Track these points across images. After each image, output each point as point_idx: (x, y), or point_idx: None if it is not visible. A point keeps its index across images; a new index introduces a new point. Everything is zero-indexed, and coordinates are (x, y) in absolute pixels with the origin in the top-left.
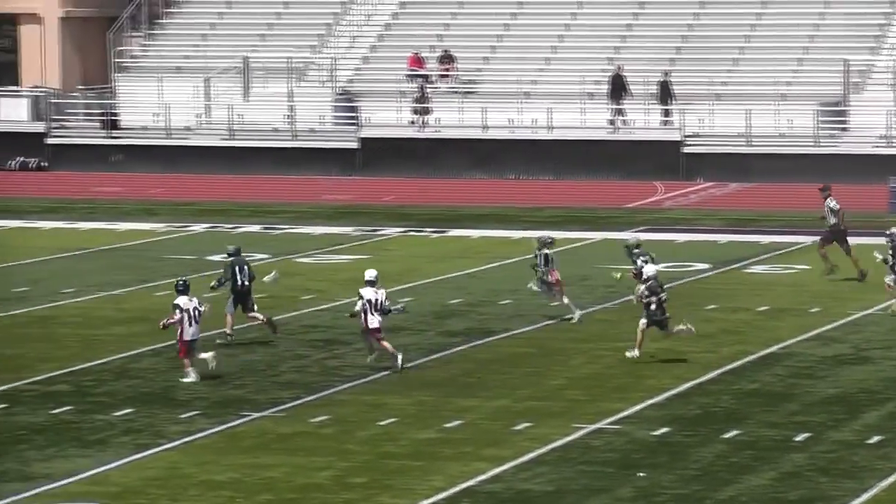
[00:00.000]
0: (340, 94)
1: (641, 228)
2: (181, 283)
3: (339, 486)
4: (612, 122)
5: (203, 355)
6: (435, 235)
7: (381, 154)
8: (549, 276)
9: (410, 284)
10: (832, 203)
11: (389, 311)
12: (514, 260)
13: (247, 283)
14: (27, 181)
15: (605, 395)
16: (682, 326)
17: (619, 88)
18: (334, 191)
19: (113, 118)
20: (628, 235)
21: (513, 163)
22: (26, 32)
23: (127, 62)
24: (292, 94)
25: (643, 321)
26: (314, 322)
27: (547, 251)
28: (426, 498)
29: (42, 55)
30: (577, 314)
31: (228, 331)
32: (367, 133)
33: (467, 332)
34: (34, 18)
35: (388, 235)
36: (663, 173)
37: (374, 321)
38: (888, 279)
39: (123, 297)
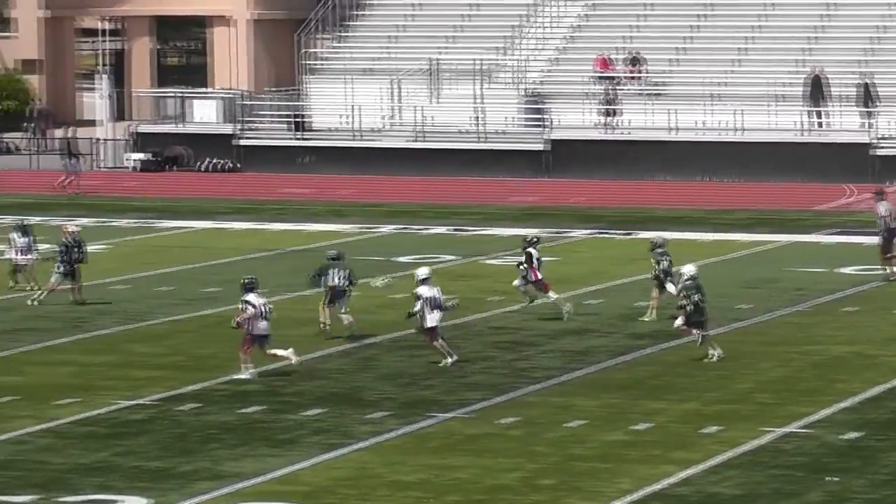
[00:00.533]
0: (528, 96)
1: (830, 231)
2: (249, 280)
3: (527, 487)
4: (808, 124)
5: (282, 352)
6: (623, 237)
7: (569, 156)
8: (531, 275)
9: (598, 287)
10: (881, 208)
11: (445, 307)
12: (703, 262)
13: (339, 282)
14: (217, 182)
15: (794, 398)
16: (714, 352)
17: (817, 90)
18: (522, 192)
19: (302, 120)
20: (653, 235)
21: (701, 165)
22: (217, 35)
23: (316, 64)
24: (480, 95)
25: (679, 320)
26: (502, 323)
27: (531, 250)
28: (614, 500)
29: (232, 57)
30: (566, 308)
31: (322, 319)
32: (555, 135)
33: (655, 334)
34: (225, 21)
35: (576, 237)
36: (853, 175)
37: (432, 319)
38: None
39: (312, 298)
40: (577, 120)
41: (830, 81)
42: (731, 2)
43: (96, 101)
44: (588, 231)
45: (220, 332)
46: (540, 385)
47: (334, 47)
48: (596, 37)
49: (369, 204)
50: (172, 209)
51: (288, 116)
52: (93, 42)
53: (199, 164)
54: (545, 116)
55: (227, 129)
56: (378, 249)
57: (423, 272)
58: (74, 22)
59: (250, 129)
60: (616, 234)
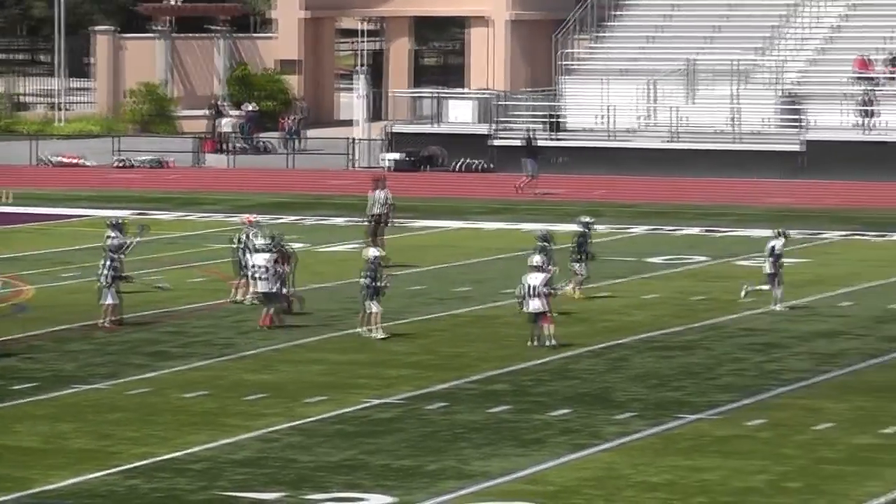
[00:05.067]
0: (785, 97)
1: None
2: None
3: (774, 489)
4: None
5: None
6: (878, 239)
7: (825, 157)
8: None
9: (852, 288)
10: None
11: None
12: None
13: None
14: (471, 182)
15: None
16: None
17: None
18: (777, 193)
19: (557, 120)
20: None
21: None
22: (475, 35)
23: (572, 64)
24: (737, 96)
25: None
26: (753, 325)
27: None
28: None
29: (489, 57)
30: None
31: None
32: (811, 136)
33: None
34: (483, 21)
35: (831, 239)
36: None
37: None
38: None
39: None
40: (833, 121)
41: None
42: None
43: (354, 101)
44: (843, 233)
45: (472, 331)
46: (789, 387)
47: (591, 48)
48: (855, 37)
49: (622, 204)
50: (425, 209)
51: (543, 117)
52: (352, 42)
53: (456, 163)
54: (802, 117)
55: (482, 129)
56: (630, 250)
57: (535, 259)
58: (335, 22)
59: (505, 130)
60: (871, 236)
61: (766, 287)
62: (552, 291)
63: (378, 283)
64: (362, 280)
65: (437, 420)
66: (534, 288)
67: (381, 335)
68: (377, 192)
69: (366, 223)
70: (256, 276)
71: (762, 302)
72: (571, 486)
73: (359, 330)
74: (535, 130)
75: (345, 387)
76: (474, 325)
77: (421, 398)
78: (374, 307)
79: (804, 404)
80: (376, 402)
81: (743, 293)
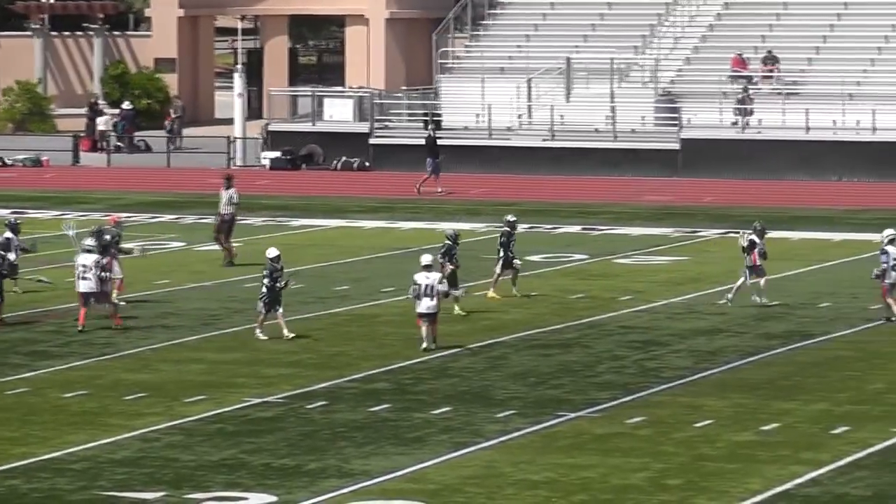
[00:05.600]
0: (662, 95)
1: None
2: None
3: (654, 487)
4: None
5: None
6: None
7: (702, 155)
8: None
9: (729, 286)
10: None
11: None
12: (834, 262)
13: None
14: (350, 181)
15: None
16: None
17: None
18: (654, 192)
19: (435, 118)
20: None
21: (835, 164)
22: (352, 34)
23: (450, 63)
24: (614, 94)
25: None
26: (632, 323)
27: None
28: (742, 501)
29: (367, 56)
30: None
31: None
32: (688, 134)
33: (786, 334)
34: (360, 20)
35: (708, 237)
36: None
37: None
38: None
39: None
40: (710, 119)
41: None
42: (868, 0)
43: (233, 99)
44: (720, 230)
45: (351, 330)
46: (669, 385)
47: (469, 46)
48: (731, 36)
49: (501, 202)
50: (304, 207)
51: (422, 115)
52: (231, 41)
53: (335, 162)
54: (678, 116)
55: (361, 127)
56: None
57: (426, 259)
58: (213, 21)
59: (384, 128)
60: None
61: (741, 281)
62: (449, 292)
63: (278, 285)
64: (264, 280)
65: (318, 419)
66: (431, 287)
67: (262, 336)
68: (224, 190)
69: (215, 222)
70: (80, 275)
71: (639, 300)
72: (453, 485)
73: (258, 333)
74: (435, 129)
75: (225, 386)
76: (354, 324)
77: (301, 397)
78: (262, 308)
79: (684, 402)
80: (256, 401)
81: (730, 295)
